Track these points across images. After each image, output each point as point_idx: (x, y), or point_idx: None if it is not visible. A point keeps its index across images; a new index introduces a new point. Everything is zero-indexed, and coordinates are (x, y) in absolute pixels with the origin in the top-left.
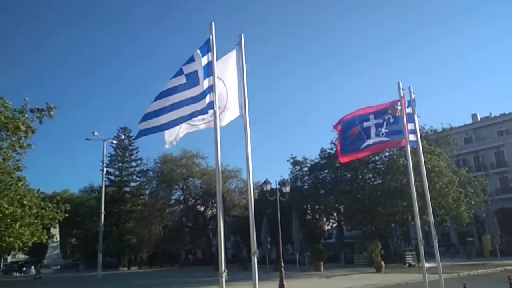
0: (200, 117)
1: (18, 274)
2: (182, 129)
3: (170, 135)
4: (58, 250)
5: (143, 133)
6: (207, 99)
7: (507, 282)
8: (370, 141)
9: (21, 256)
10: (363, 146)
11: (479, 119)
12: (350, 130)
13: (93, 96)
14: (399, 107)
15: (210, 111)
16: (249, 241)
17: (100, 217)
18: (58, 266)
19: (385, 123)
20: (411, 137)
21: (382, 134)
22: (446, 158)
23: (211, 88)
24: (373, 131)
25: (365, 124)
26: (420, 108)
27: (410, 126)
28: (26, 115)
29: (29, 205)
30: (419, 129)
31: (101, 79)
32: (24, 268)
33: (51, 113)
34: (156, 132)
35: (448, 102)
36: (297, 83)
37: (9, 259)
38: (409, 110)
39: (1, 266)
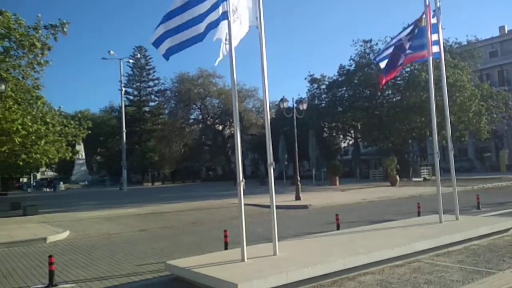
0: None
1: (48, 190)
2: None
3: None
4: (85, 167)
5: (169, 52)
6: (220, 9)
7: None
8: (403, 56)
9: (49, 173)
10: (400, 63)
11: (506, 32)
12: (390, 54)
13: (109, 15)
14: (424, 16)
15: (222, 23)
16: (266, 158)
17: (122, 136)
18: (86, 182)
19: (414, 36)
20: (434, 49)
21: (411, 46)
22: (469, 72)
23: None
24: (406, 46)
25: (398, 43)
26: (445, 21)
27: (434, 36)
28: (40, 31)
29: (52, 122)
30: (443, 42)
31: None
32: (53, 184)
33: (65, 29)
34: (181, 50)
35: (476, 14)
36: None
37: (38, 176)
38: (433, 20)
39: (32, 182)
